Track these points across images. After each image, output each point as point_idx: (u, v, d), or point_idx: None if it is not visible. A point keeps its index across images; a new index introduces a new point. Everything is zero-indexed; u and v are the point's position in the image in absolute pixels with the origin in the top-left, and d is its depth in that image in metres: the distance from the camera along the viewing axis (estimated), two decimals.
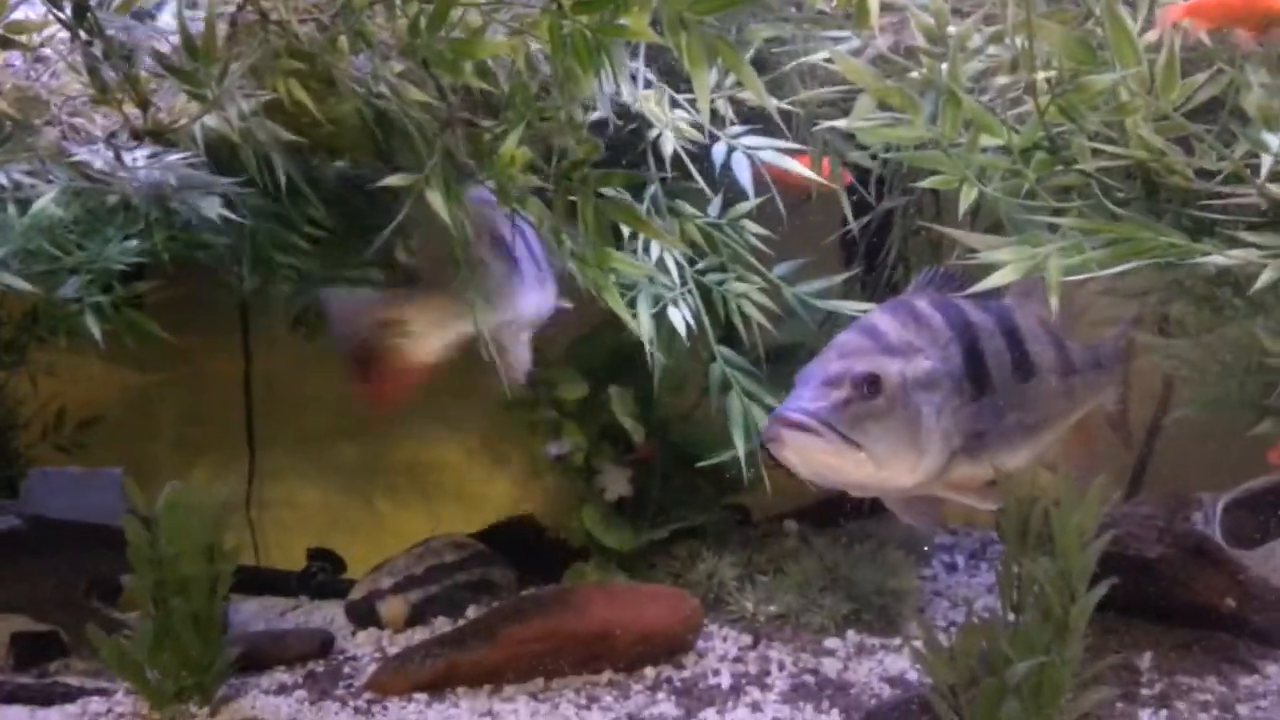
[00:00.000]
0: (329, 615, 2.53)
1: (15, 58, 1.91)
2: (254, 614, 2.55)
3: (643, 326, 1.95)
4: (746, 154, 2.02)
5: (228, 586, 2.05)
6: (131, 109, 1.84)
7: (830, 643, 2.26)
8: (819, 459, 1.55)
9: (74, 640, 2.26)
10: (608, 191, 1.67)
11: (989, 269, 1.64)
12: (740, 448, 2.02)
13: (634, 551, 2.43)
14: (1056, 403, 1.82)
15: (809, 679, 2.10)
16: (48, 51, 1.92)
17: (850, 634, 2.29)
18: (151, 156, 1.89)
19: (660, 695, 2.04)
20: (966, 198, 1.67)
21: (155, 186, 1.91)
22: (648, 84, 1.97)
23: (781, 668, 2.15)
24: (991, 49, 1.69)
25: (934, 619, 2.37)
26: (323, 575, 2.69)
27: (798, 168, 2.00)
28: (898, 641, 2.23)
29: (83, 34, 1.76)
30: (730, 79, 1.97)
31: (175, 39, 1.76)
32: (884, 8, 1.68)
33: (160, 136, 1.90)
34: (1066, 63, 1.55)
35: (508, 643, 2.08)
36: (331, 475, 2.87)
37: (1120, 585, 1.75)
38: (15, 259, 2.09)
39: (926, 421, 1.59)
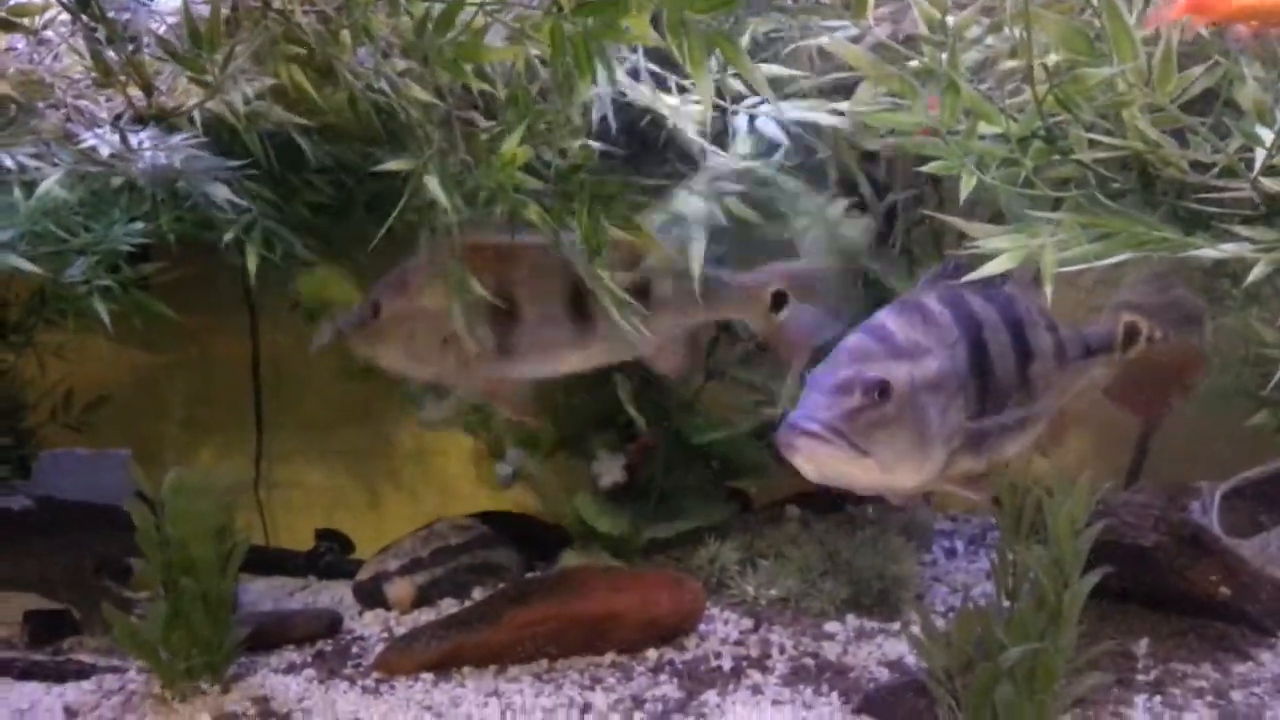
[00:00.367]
0: (337, 595, 2.56)
1: (18, 40, 1.91)
2: (262, 594, 2.58)
3: None
4: (770, 117, 2.01)
5: (238, 567, 2.08)
6: (135, 91, 1.84)
7: (830, 626, 2.28)
8: (830, 465, 1.61)
9: (85, 618, 2.30)
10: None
11: (990, 259, 1.65)
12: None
13: (633, 540, 2.45)
14: (1052, 392, 1.84)
15: (809, 662, 2.13)
16: (50, 35, 1.92)
17: (850, 618, 2.31)
18: (155, 139, 1.90)
19: (662, 677, 2.08)
20: (966, 186, 1.67)
21: (162, 169, 1.92)
22: (658, 82, 1.97)
23: (782, 651, 2.18)
24: (990, 39, 1.69)
25: (933, 604, 2.40)
26: (330, 556, 2.73)
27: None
28: (896, 626, 2.26)
29: (85, 17, 1.76)
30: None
31: (173, 21, 1.77)
32: None
33: (163, 119, 1.91)
34: (1063, 53, 1.55)
35: (512, 625, 2.11)
36: (339, 456, 2.90)
37: (1116, 573, 1.77)
38: (22, 241, 2.11)
39: (932, 424, 1.63)
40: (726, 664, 2.13)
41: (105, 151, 1.84)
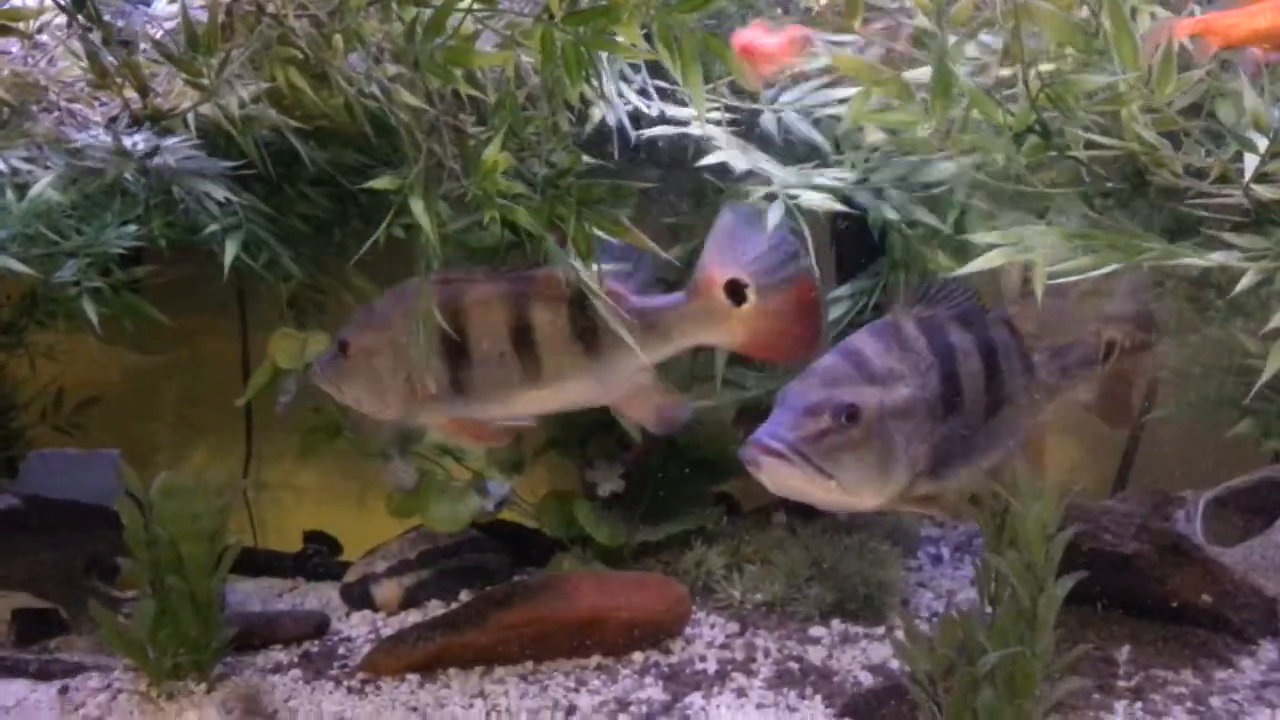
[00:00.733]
0: (324, 597, 2.57)
1: (12, 44, 1.93)
2: (250, 595, 2.59)
3: None
4: (796, 112, 2.01)
5: (227, 569, 2.09)
6: (130, 93, 1.86)
7: (815, 631, 2.30)
8: (791, 484, 1.65)
9: (73, 617, 2.30)
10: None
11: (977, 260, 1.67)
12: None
13: (626, 546, 2.46)
14: (1022, 418, 1.87)
15: (793, 666, 2.14)
16: (45, 38, 1.93)
17: (835, 623, 2.32)
18: (149, 142, 1.91)
19: (648, 680, 2.09)
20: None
21: (158, 171, 1.94)
22: (660, 92, 1.98)
23: (767, 655, 2.19)
24: (986, 37, 1.69)
25: (917, 610, 2.41)
26: (318, 558, 2.74)
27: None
28: (881, 631, 2.27)
29: (80, 20, 1.77)
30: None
31: (169, 25, 1.78)
32: (873, 9, 1.69)
33: (158, 121, 1.92)
34: (1057, 47, 1.55)
35: (497, 627, 2.12)
36: (328, 458, 2.90)
37: (1098, 580, 1.79)
38: (14, 243, 2.12)
39: (897, 450, 1.67)
40: (711, 667, 2.14)
41: (98, 154, 1.85)
